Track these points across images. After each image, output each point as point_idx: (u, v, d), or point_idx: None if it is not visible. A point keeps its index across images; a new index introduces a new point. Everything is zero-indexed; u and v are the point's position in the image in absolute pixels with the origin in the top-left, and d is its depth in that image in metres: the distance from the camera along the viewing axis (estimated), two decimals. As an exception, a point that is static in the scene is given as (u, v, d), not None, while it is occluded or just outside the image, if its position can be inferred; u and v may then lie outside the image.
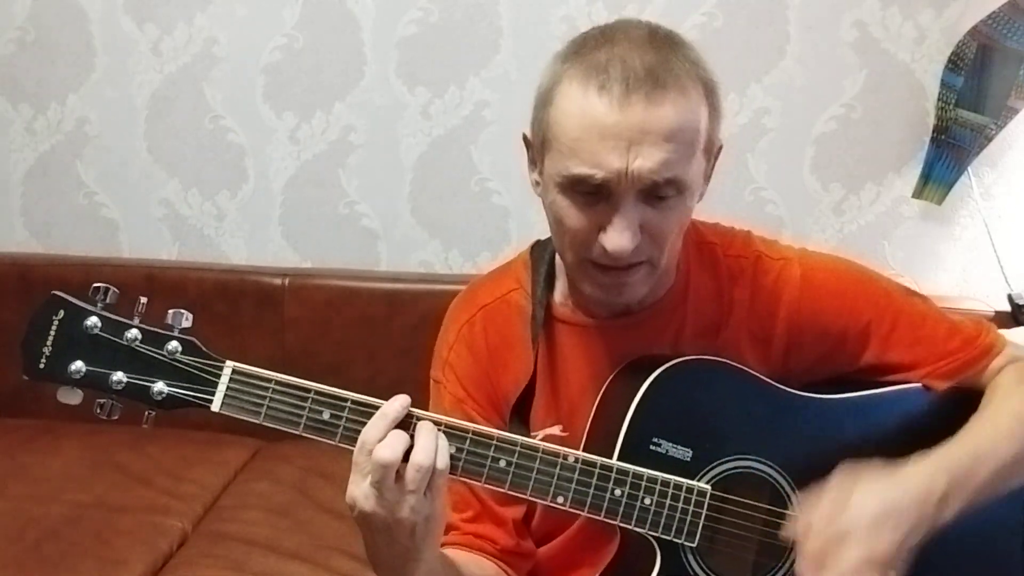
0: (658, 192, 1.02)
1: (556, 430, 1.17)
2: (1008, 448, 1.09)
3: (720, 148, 1.11)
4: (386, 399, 1.00)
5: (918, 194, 2.21)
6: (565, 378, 1.18)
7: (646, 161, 0.99)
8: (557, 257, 1.19)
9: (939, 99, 2.13)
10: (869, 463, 1.04)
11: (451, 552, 1.12)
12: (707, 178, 1.12)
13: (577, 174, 1.01)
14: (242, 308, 2.25)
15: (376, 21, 2.22)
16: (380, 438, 0.94)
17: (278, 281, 2.27)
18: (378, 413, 0.97)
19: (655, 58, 1.00)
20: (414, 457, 0.94)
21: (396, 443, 0.94)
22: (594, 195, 1.02)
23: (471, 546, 1.16)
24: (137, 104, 2.31)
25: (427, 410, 1.21)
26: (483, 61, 2.22)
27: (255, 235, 2.38)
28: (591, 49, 1.03)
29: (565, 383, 1.18)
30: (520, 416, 1.16)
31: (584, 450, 1.07)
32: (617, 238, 1.02)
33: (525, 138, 1.14)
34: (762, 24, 2.17)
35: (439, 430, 0.99)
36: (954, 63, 2.11)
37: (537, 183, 1.13)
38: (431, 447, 0.95)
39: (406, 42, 2.23)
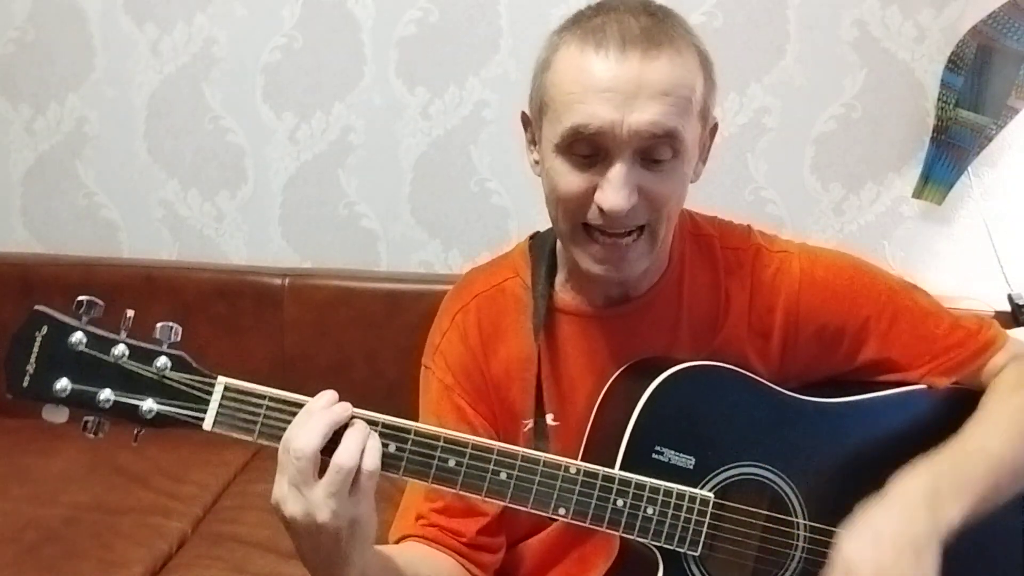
0: (655, 153, 1.01)
1: (548, 419, 1.17)
2: (1003, 447, 1.08)
3: (716, 126, 1.11)
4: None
5: (918, 194, 2.21)
6: (560, 368, 1.18)
7: (643, 114, 0.98)
8: (559, 246, 1.18)
9: (939, 99, 2.13)
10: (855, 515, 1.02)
11: (405, 546, 1.10)
12: (703, 156, 1.12)
13: (572, 125, 1.00)
14: (242, 308, 2.25)
15: (376, 21, 2.21)
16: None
17: (278, 281, 2.26)
18: (303, 410, 0.93)
19: (650, 21, 1.02)
20: (335, 458, 0.89)
21: (312, 437, 0.89)
22: (590, 157, 1.02)
23: (435, 539, 1.14)
24: (136, 104, 2.31)
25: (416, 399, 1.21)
26: (483, 61, 2.22)
27: (255, 235, 2.38)
28: (587, 18, 1.04)
29: (560, 373, 1.18)
30: (539, 408, 1.15)
31: (584, 458, 1.06)
32: (613, 195, 1.00)
33: (524, 116, 1.13)
34: (762, 24, 2.16)
35: (441, 443, 0.97)
36: (954, 63, 2.10)
37: (536, 162, 1.12)
38: (356, 448, 0.90)
39: (406, 42, 2.22)
